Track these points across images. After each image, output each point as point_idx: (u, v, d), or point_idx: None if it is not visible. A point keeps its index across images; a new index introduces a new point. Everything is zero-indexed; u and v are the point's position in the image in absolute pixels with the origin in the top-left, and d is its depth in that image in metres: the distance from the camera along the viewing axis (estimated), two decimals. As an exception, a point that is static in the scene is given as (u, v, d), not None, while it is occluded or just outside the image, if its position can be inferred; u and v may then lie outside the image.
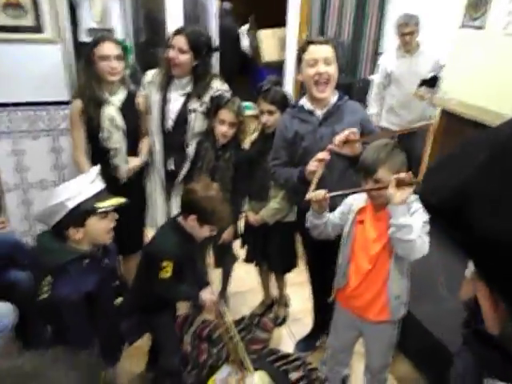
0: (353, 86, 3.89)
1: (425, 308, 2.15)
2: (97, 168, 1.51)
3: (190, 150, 2.27)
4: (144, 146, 2.34)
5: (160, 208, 2.42)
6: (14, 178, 2.63)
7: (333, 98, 1.86)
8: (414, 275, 1.69)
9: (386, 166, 1.49)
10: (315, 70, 1.76)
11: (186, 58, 2.13)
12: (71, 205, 1.37)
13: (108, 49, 2.07)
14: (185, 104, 2.24)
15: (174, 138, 2.29)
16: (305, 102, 1.89)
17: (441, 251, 1.58)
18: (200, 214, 1.67)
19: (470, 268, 1.72)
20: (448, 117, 2.72)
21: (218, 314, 1.86)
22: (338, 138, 1.67)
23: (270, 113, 2.08)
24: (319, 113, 1.86)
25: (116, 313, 1.60)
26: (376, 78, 3.51)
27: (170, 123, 2.27)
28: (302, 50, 1.81)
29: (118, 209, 1.50)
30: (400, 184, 1.39)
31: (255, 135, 2.25)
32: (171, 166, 2.35)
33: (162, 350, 1.91)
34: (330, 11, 4.28)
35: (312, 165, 1.73)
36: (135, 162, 2.27)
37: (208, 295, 1.78)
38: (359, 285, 1.68)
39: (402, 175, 1.40)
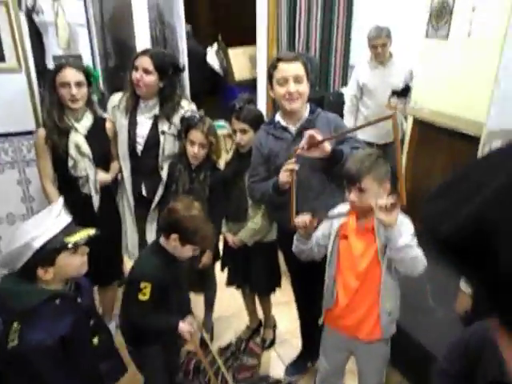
0: (324, 100, 3.91)
1: (413, 319, 2.11)
2: (61, 200, 1.42)
3: (163, 173, 2.21)
4: (114, 166, 2.28)
5: (130, 236, 2.33)
6: (-22, 214, 2.51)
7: (305, 112, 1.84)
8: (402, 287, 1.66)
9: (371, 176, 1.47)
10: (285, 89, 1.74)
11: (151, 79, 2.10)
12: (37, 244, 1.27)
13: (69, 75, 2.01)
14: (154, 127, 2.19)
15: (145, 162, 2.23)
16: (279, 117, 1.88)
17: (426, 261, 1.55)
18: (182, 233, 1.62)
19: (464, 281, 1.71)
20: (421, 126, 2.74)
21: (199, 346, 1.78)
22: (302, 143, 1.66)
23: (244, 131, 2.04)
24: (293, 129, 1.84)
25: (93, 354, 1.49)
26: (349, 91, 3.52)
27: (139, 147, 2.21)
28: (272, 67, 1.79)
29: (92, 238, 1.41)
30: (387, 208, 1.38)
31: (230, 155, 2.21)
32: (143, 192, 2.28)
33: None
34: (297, 27, 4.32)
35: (283, 175, 1.71)
36: (103, 176, 2.19)
37: (186, 327, 1.70)
38: (348, 303, 1.63)
39: (383, 201, 1.38)
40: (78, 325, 1.37)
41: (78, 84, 2.04)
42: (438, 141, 2.61)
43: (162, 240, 1.69)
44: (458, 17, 2.59)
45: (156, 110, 2.19)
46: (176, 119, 2.19)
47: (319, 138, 1.64)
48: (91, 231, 1.40)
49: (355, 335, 1.66)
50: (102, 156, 2.19)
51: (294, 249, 1.71)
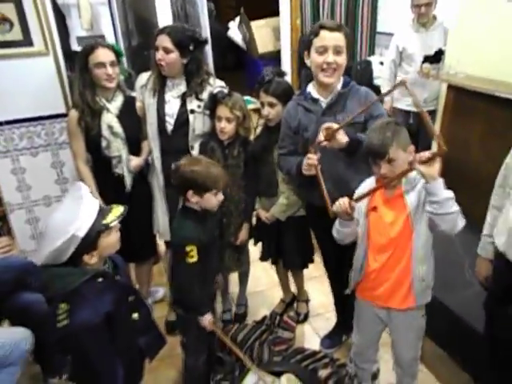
0: (352, 69, 3.79)
1: (451, 293, 2.08)
2: (83, 185, 1.42)
3: (194, 152, 2.21)
4: (145, 146, 2.29)
5: (161, 216, 2.35)
6: (16, 198, 2.59)
7: (338, 85, 1.79)
8: (439, 261, 1.62)
9: (395, 144, 1.43)
10: (323, 58, 1.69)
11: (172, 57, 2.06)
12: (82, 233, 1.29)
13: (102, 55, 2.01)
14: (183, 105, 2.17)
15: (175, 142, 2.22)
16: (311, 88, 1.83)
17: (464, 235, 1.51)
18: (194, 186, 1.65)
19: (481, 245, 1.71)
20: (455, 92, 2.62)
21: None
22: (319, 137, 1.64)
23: (271, 105, 2.01)
24: (323, 101, 1.79)
25: (133, 329, 1.53)
26: (388, 56, 3.38)
27: (168, 127, 2.20)
28: (313, 33, 1.73)
29: (125, 217, 1.44)
30: (426, 161, 1.32)
31: (258, 130, 2.18)
32: None
33: (187, 350, 1.92)
34: (322, -5, 4.18)
35: (305, 169, 1.71)
36: (136, 162, 2.21)
37: (206, 320, 1.78)
38: (379, 272, 1.61)
39: (423, 154, 1.33)
40: (119, 301, 1.42)
41: (112, 63, 2.04)
42: (475, 108, 2.50)
43: (186, 202, 1.73)
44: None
45: (183, 88, 2.16)
46: (205, 96, 2.16)
47: (335, 126, 1.60)
48: (121, 208, 1.42)
49: (388, 305, 1.64)
50: (134, 135, 2.20)
51: (337, 235, 1.67)
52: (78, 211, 1.31)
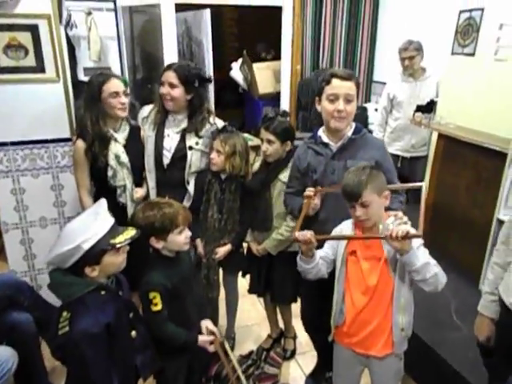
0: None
1: (437, 335, 2.10)
2: (104, 203, 1.49)
3: (190, 187, 2.26)
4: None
5: None
6: (13, 218, 2.60)
7: (349, 131, 1.83)
8: (425, 302, 1.65)
9: (369, 188, 1.48)
10: (334, 107, 1.73)
11: (177, 92, 2.13)
12: (87, 246, 1.35)
13: (117, 85, 2.08)
14: (181, 141, 2.23)
15: (170, 175, 2.27)
16: (321, 133, 1.87)
17: (450, 277, 1.56)
18: (153, 231, 1.61)
19: (482, 303, 1.66)
20: (446, 141, 2.75)
21: (221, 352, 1.78)
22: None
23: (270, 142, 2.07)
24: (334, 145, 1.83)
25: (131, 346, 1.55)
26: (381, 103, 3.57)
27: (165, 160, 2.25)
28: (325, 81, 1.77)
29: (133, 239, 1.48)
30: (403, 237, 1.37)
31: (257, 166, 2.25)
32: None
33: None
34: (322, 42, 4.40)
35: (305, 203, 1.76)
36: (140, 193, 2.26)
37: (205, 337, 1.72)
38: (358, 319, 1.61)
39: (399, 230, 1.37)
40: (120, 315, 1.46)
41: (125, 93, 2.12)
42: (464, 156, 2.61)
43: (151, 245, 1.68)
44: (484, 34, 2.62)
45: (184, 124, 2.24)
46: (204, 134, 2.23)
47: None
48: (132, 232, 1.47)
49: (368, 352, 1.65)
50: (139, 165, 2.25)
51: (299, 268, 1.68)
52: (90, 225, 1.37)
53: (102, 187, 2.19)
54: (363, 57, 4.52)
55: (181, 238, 1.66)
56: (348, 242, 1.62)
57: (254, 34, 6.01)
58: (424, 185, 1.63)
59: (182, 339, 1.68)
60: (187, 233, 1.68)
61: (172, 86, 2.13)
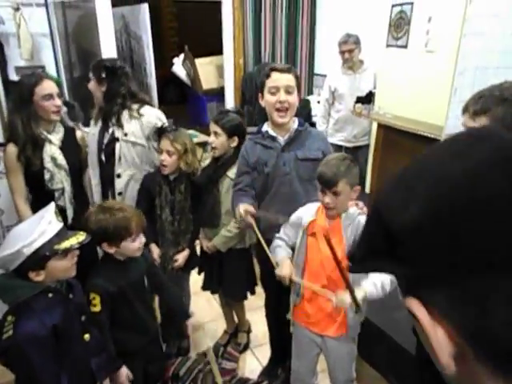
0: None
1: (384, 315, 2.20)
2: (52, 206, 1.43)
3: (121, 181, 2.22)
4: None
5: None
6: None
7: (293, 124, 1.89)
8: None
9: (345, 179, 1.53)
10: (276, 98, 1.79)
11: (91, 85, 2.20)
12: (28, 251, 1.31)
13: (50, 87, 2.01)
14: (111, 134, 2.21)
15: (108, 170, 2.25)
16: (267, 127, 1.91)
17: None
18: (107, 238, 1.60)
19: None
20: (385, 130, 2.87)
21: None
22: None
23: (216, 134, 2.09)
24: (281, 139, 1.88)
25: (84, 349, 1.51)
26: (322, 95, 3.65)
27: (102, 156, 2.24)
28: (265, 75, 1.83)
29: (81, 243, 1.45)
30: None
31: (207, 162, 2.25)
32: (110, 200, 2.29)
33: None
34: (263, 37, 4.43)
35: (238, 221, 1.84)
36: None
37: (123, 376, 1.68)
38: (313, 300, 1.69)
39: (346, 299, 1.46)
40: (69, 317, 1.43)
41: (58, 95, 2.05)
42: (401, 144, 2.75)
43: (102, 249, 1.66)
44: (415, 27, 2.75)
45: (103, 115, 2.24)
46: (134, 125, 2.19)
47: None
48: (81, 237, 1.43)
49: (323, 333, 1.72)
50: (76, 166, 2.19)
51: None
52: (33, 230, 1.33)
53: (39, 192, 2.11)
54: (304, 50, 4.60)
55: (134, 245, 1.65)
56: (309, 225, 1.67)
57: (194, 29, 5.95)
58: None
59: (111, 352, 1.65)
60: (141, 239, 1.66)
61: (88, 80, 2.19)
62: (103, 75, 2.16)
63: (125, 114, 2.19)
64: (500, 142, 0.37)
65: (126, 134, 2.19)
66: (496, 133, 0.38)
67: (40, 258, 1.34)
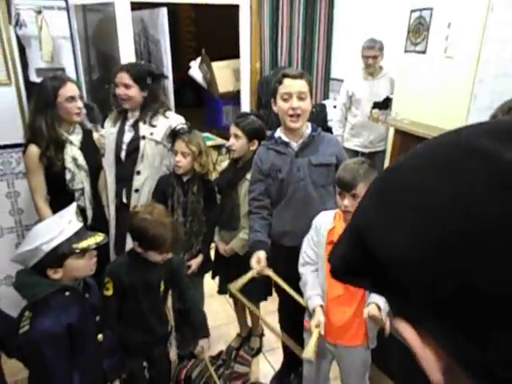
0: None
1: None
2: (74, 206, 1.47)
3: (140, 178, 2.25)
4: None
5: (111, 242, 2.36)
6: (-33, 227, 2.49)
7: (307, 129, 1.90)
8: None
9: (363, 182, 1.54)
10: (289, 105, 1.79)
11: (133, 91, 2.18)
12: (47, 248, 1.35)
13: (73, 90, 2.06)
14: (136, 132, 2.25)
15: (126, 168, 2.28)
16: (280, 133, 1.91)
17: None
18: (140, 240, 1.68)
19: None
20: (402, 136, 2.84)
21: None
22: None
23: (236, 137, 2.10)
24: (295, 144, 1.88)
25: (97, 349, 1.54)
26: (339, 100, 3.63)
27: (123, 153, 2.27)
28: (277, 82, 1.83)
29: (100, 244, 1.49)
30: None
31: (225, 164, 2.26)
32: (124, 199, 2.32)
33: None
34: (280, 41, 4.44)
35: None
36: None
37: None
38: (332, 309, 1.68)
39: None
40: (84, 316, 1.46)
41: (80, 97, 2.11)
42: (419, 150, 2.72)
43: (134, 244, 1.74)
44: (434, 33, 2.73)
45: (137, 116, 2.26)
46: (160, 126, 2.23)
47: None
48: (99, 238, 1.47)
49: (338, 341, 1.71)
50: (95, 167, 2.23)
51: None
52: (53, 228, 1.37)
53: (58, 193, 2.14)
54: (320, 54, 4.60)
55: (158, 258, 1.72)
56: (328, 233, 1.67)
57: (211, 33, 5.99)
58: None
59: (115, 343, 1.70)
60: (167, 256, 1.73)
61: (127, 86, 2.16)
62: (149, 81, 2.22)
63: (158, 116, 2.26)
64: (498, 161, 0.31)
65: (151, 133, 2.23)
66: (494, 149, 0.32)
67: (58, 255, 1.37)
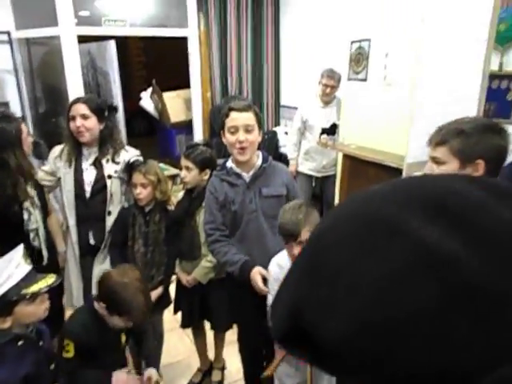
0: (261, 139, 4.10)
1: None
2: (20, 249, 1.40)
3: (111, 218, 2.20)
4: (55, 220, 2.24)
5: (75, 287, 2.25)
6: None
7: (258, 160, 1.90)
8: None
9: (307, 226, 1.54)
10: (236, 138, 1.80)
11: (92, 122, 2.12)
12: None
13: (26, 130, 2.02)
14: (99, 171, 2.19)
15: (92, 209, 2.20)
16: (232, 164, 1.91)
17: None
18: (109, 303, 1.59)
19: None
20: (350, 160, 2.95)
21: None
22: None
23: (188, 169, 2.11)
24: (246, 175, 1.89)
25: None
26: (294, 125, 3.73)
27: (86, 193, 2.19)
28: (224, 115, 1.84)
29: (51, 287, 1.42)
30: None
31: (181, 194, 2.25)
32: (91, 240, 2.24)
33: None
34: (230, 69, 4.54)
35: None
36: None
37: (122, 375, 1.66)
38: None
39: None
40: (39, 366, 1.38)
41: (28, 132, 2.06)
42: (366, 173, 2.83)
43: (96, 302, 1.65)
44: (373, 62, 2.89)
45: (97, 154, 2.20)
46: (122, 162, 2.20)
47: None
48: (50, 280, 1.40)
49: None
50: (45, 206, 2.15)
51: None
52: (0, 273, 1.29)
53: (12, 236, 1.94)
54: (270, 82, 4.74)
55: (121, 323, 1.64)
56: None
57: (162, 62, 6.03)
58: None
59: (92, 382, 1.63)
60: (129, 323, 1.65)
61: (85, 117, 2.10)
62: (106, 113, 2.18)
63: (119, 152, 2.22)
64: (421, 242, 0.30)
65: (116, 171, 2.19)
66: (417, 227, 0.31)
67: (7, 303, 1.29)
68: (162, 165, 3.94)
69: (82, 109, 2.10)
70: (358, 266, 0.32)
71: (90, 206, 2.20)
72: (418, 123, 2.38)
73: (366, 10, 2.89)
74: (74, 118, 2.10)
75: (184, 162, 2.13)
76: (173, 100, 4.94)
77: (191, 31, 4.29)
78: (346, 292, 0.32)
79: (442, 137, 1.33)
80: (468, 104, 2.39)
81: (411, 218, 0.32)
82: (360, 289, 0.32)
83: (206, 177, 2.13)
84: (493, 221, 0.31)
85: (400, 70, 2.66)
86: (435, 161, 1.35)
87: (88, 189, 2.18)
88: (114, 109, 2.32)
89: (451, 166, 1.31)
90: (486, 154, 1.27)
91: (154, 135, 5.76)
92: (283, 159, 3.81)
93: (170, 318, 2.42)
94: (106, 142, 2.20)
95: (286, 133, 4.06)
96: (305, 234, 1.54)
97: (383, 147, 2.71)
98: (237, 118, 1.80)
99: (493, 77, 2.64)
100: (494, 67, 2.64)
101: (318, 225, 0.40)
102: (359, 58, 3.04)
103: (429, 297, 0.29)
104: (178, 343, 2.75)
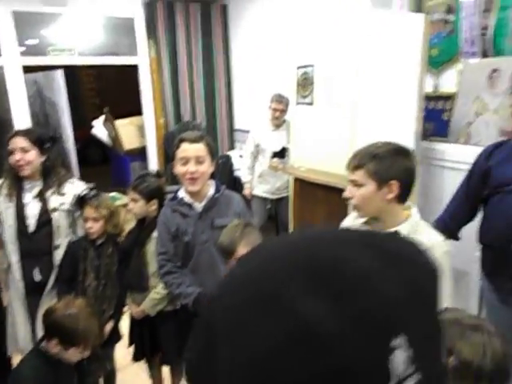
0: (216, 163, 4.12)
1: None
2: None
3: (60, 252, 2.14)
4: None
5: (20, 328, 2.15)
6: None
7: (210, 190, 1.90)
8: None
9: (242, 244, 1.56)
10: (186, 169, 1.79)
11: (32, 155, 2.09)
12: None
13: None
14: (43, 204, 2.13)
15: (37, 243, 2.13)
16: (183, 194, 1.90)
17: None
18: (62, 337, 1.54)
19: None
20: (301, 183, 3.01)
21: None
22: None
23: (134, 200, 2.09)
24: (198, 205, 1.88)
25: None
26: (247, 149, 3.78)
27: (30, 228, 2.12)
28: (175, 146, 1.84)
29: None
30: None
31: (132, 224, 2.23)
32: (37, 277, 2.15)
33: None
34: (182, 95, 4.56)
35: None
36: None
37: None
38: None
39: None
40: None
41: None
42: (316, 195, 2.89)
43: (44, 343, 1.59)
44: (318, 86, 2.99)
45: (40, 187, 2.15)
46: (68, 194, 2.16)
47: None
48: None
49: None
50: None
51: None
52: None
53: None
54: (223, 107, 4.79)
55: (78, 356, 1.59)
56: None
57: (114, 89, 5.99)
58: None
59: None
60: (86, 353, 1.60)
61: (24, 150, 2.06)
62: (47, 145, 2.14)
63: (64, 184, 2.18)
64: (295, 315, 0.32)
65: (62, 204, 2.15)
66: (291, 299, 0.32)
67: None
68: (115, 194, 3.87)
69: (21, 142, 2.06)
70: (236, 339, 0.33)
71: (35, 241, 2.13)
72: (361, 144, 2.46)
73: (310, 36, 3.00)
74: (13, 152, 2.05)
75: (131, 193, 2.11)
76: (126, 127, 4.90)
77: (141, 59, 4.30)
78: (225, 363, 0.33)
79: (359, 161, 1.41)
80: (406, 124, 2.51)
81: (295, 292, 0.33)
82: (237, 364, 0.32)
83: (154, 207, 2.11)
84: (373, 298, 0.32)
85: (342, 92, 2.76)
86: (354, 183, 1.43)
87: (32, 222, 2.12)
88: (57, 139, 2.29)
89: (369, 188, 1.39)
90: (399, 175, 1.37)
91: (108, 163, 5.67)
92: (238, 182, 3.84)
93: (125, 353, 2.35)
94: (50, 174, 2.16)
95: (241, 156, 4.10)
96: (241, 250, 1.55)
97: (329, 169, 2.78)
98: (187, 149, 1.80)
99: (429, 98, 2.79)
100: (430, 89, 2.79)
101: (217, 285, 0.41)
102: (305, 83, 3.14)
103: (297, 370, 0.30)
104: (134, 378, 2.66)
